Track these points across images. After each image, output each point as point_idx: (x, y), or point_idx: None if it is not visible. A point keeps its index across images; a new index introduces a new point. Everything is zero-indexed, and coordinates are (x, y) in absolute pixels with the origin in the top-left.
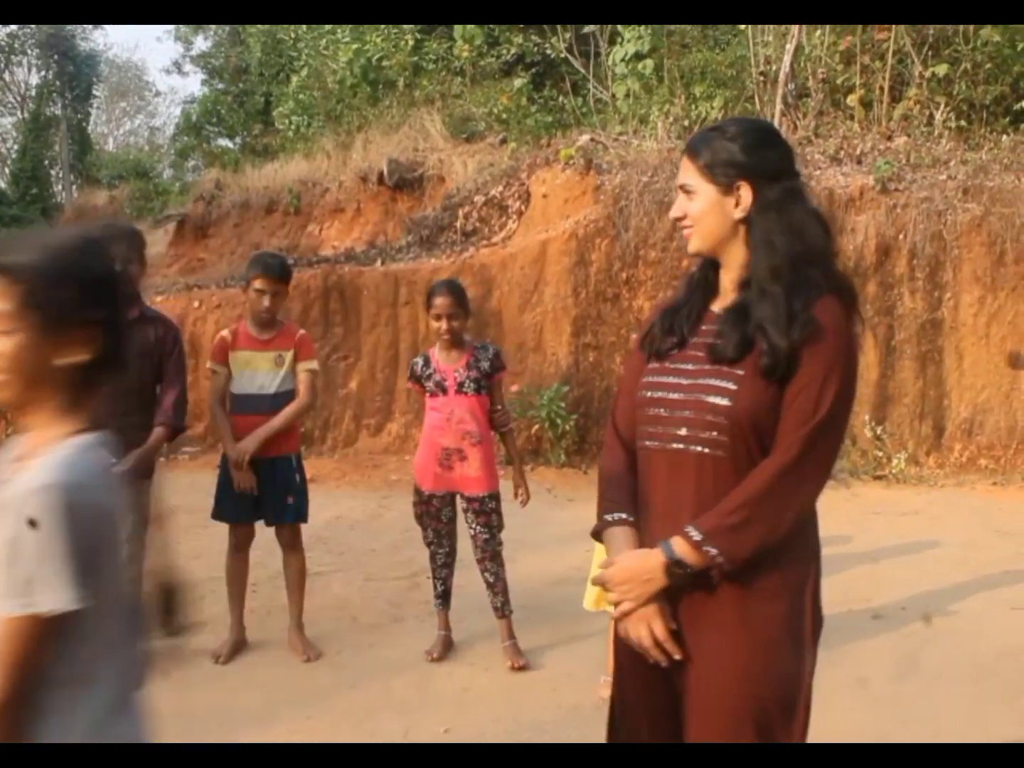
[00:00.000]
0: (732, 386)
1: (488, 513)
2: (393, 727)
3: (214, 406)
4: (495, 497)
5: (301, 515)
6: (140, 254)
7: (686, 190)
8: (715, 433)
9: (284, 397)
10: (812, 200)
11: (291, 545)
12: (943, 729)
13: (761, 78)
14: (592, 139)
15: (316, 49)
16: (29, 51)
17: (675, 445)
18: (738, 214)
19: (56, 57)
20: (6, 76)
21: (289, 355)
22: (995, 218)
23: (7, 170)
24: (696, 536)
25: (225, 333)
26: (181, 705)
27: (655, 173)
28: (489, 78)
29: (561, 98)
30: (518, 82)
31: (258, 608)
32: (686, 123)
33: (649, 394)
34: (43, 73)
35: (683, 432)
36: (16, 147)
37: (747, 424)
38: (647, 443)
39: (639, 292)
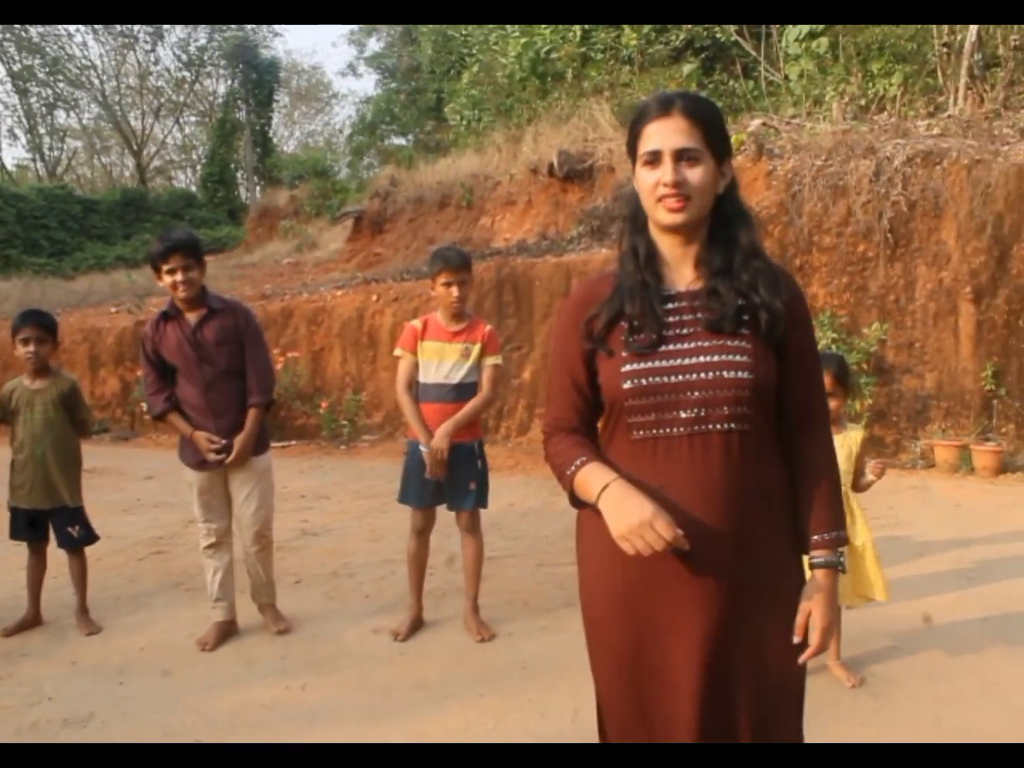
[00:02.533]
0: (745, 358)
1: None
2: (563, 708)
3: (401, 392)
4: None
5: (481, 501)
6: (199, 259)
7: (690, 156)
8: (743, 408)
9: (468, 388)
10: None
11: (470, 529)
12: None
13: (944, 50)
14: (764, 123)
15: (486, 44)
16: (216, 62)
17: (684, 429)
18: (719, 189)
19: (240, 66)
20: (196, 87)
21: (476, 348)
22: None
23: (197, 175)
24: (831, 535)
25: (415, 323)
26: (362, 679)
27: (829, 156)
28: (658, 65)
29: (732, 82)
30: (687, 68)
31: (434, 590)
32: (863, 102)
33: (637, 382)
34: (229, 82)
35: (696, 413)
36: (205, 153)
37: (766, 392)
38: (642, 433)
39: (813, 279)
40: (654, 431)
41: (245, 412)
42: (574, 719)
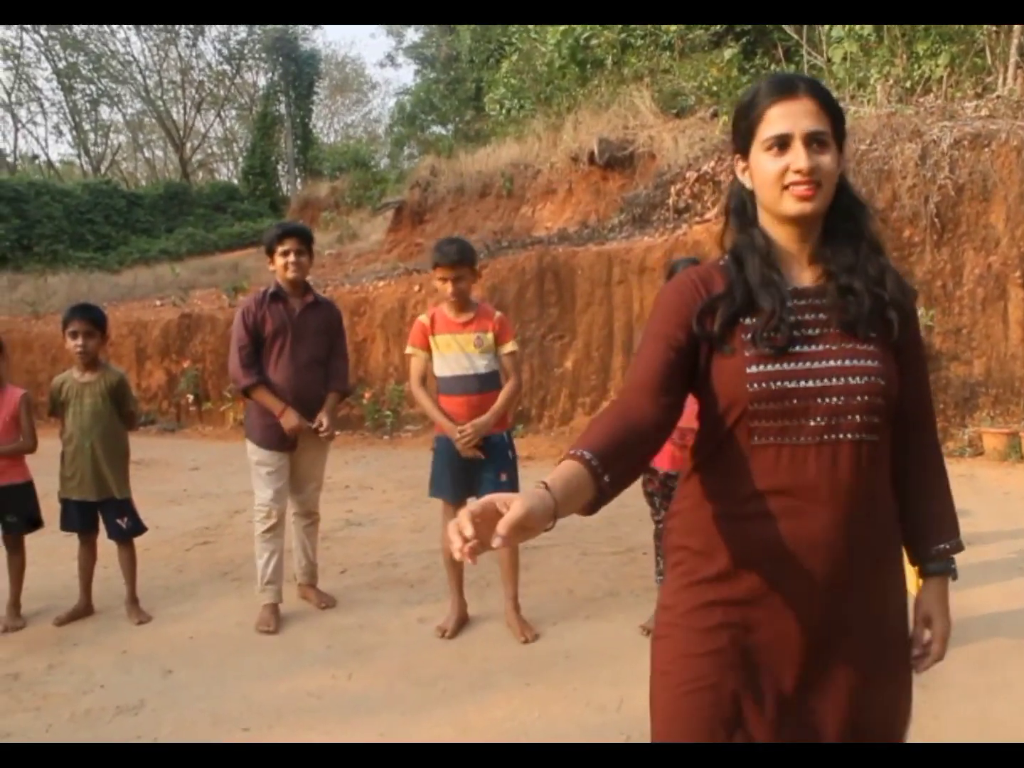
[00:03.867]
0: (876, 363)
1: None
2: (607, 698)
3: (416, 388)
4: None
5: (514, 491)
6: (310, 248)
7: (820, 139)
8: (874, 416)
9: (490, 377)
10: None
11: None
12: None
13: (993, 29)
14: None
15: (525, 33)
16: (256, 55)
17: (813, 438)
18: (837, 177)
19: (280, 59)
20: (237, 80)
21: (489, 337)
22: None
23: (239, 168)
24: (952, 543)
25: (423, 318)
26: (407, 668)
27: (873, 140)
28: (698, 51)
29: (773, 66)
30: (728, 52)
31: (478, 580)
32: (908, 84)
33: (764, 385)
34: (269, 75)
35: (826, 422)
36: (246, 146)
37: (895, 399)
38: (765, 440)
39: None
40: (779, 438)
41: (322, 400)
42: (619, 708)
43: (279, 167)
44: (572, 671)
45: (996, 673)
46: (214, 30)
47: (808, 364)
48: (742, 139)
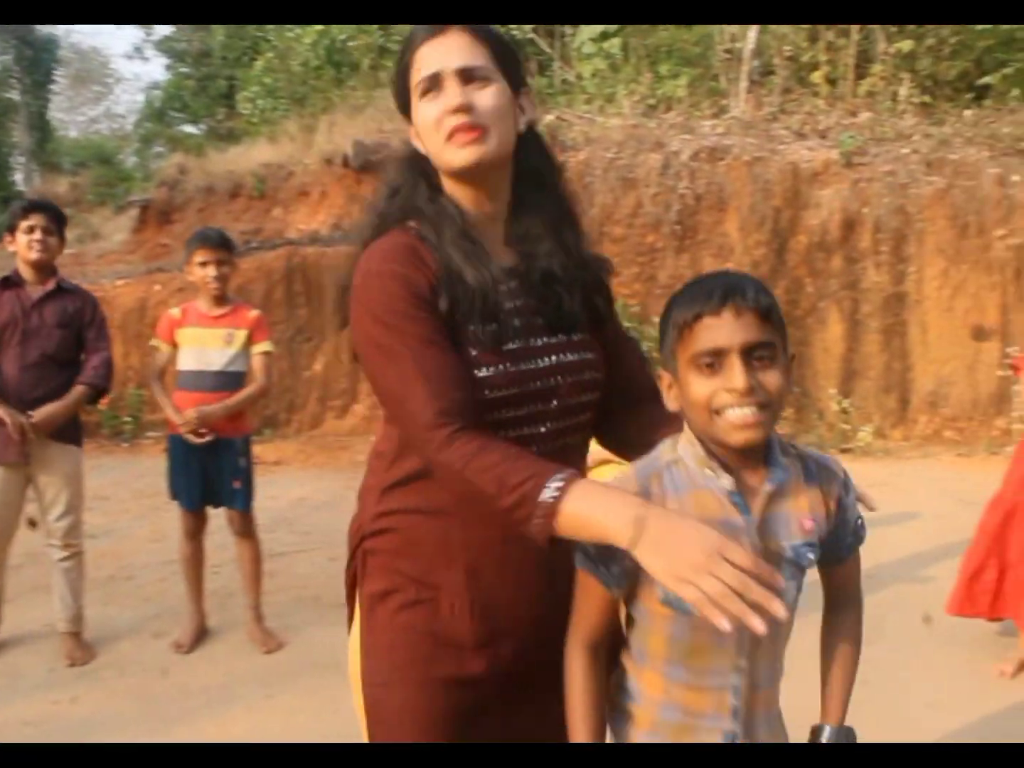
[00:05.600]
0: (591, 355)
1: None
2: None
3: (152, 381)
4: None
5: (247, 502)
6: (60, 229)
7: (475, 75)
8: (588, 414)
9: (231, 377)
10: None
11: (244, 532)
12: (905, 690)
13: (726, 56)
14: (558, 117)
15: (281, 31)
16: None
17: (547, 429)
18: (521, 126)
19: (13, 42)
20: None
21: (241, 334)
22: (958, 191)
23: None
24: None
25: (174, 311)
26: (140, 687)
27: (620, 150)
28: None
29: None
30: None
31: (219, 589)
32: (652, 102)
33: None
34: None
35: (555, 425)
36: None
37: (603, 388)
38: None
39: None
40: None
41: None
42: None
43: (13, 159)
44: (319, 680)
45: None
46: None
47: (532, 364)
48: (401, 97)
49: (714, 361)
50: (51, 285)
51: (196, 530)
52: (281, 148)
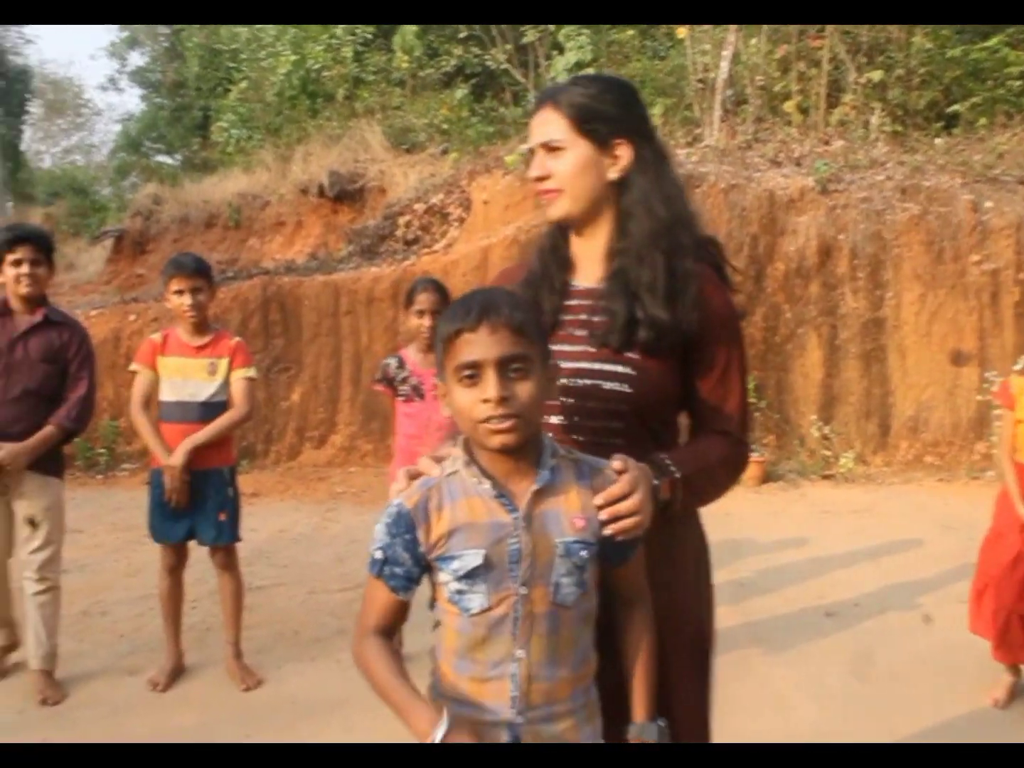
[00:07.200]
0: (630, 371)
1: None
2: (336, 739)
3: (136, 411)
4: None
5: (234, 533)
6: (49, 257)
7: (552, 146)
8: (614, 422)
9: (216, 407)
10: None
11: (226, 565)
12: (898, 726)
13: (700, 86)
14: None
15: (255, 61)
16: None
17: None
18: (613, 174)
19: None
20: None
21: (223, 363)
22: (933, 217)
23: None
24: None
25: (155, 336)
26: (113, 728)
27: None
28: (429, 89)
29: (502, 108)
30: (459, 93)
31: (197, 625)
32: None
33: None
34: None
35: (560, 420)
36: None
37: (647, 411)
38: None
39: None
40: None
41: None
42: None
43: None
44: (298, 718)
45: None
46: None
47: (561, 363)
48: None
49: (474, 373)
50: (39, 316)
51: (176, 564)
52: (256, 178)
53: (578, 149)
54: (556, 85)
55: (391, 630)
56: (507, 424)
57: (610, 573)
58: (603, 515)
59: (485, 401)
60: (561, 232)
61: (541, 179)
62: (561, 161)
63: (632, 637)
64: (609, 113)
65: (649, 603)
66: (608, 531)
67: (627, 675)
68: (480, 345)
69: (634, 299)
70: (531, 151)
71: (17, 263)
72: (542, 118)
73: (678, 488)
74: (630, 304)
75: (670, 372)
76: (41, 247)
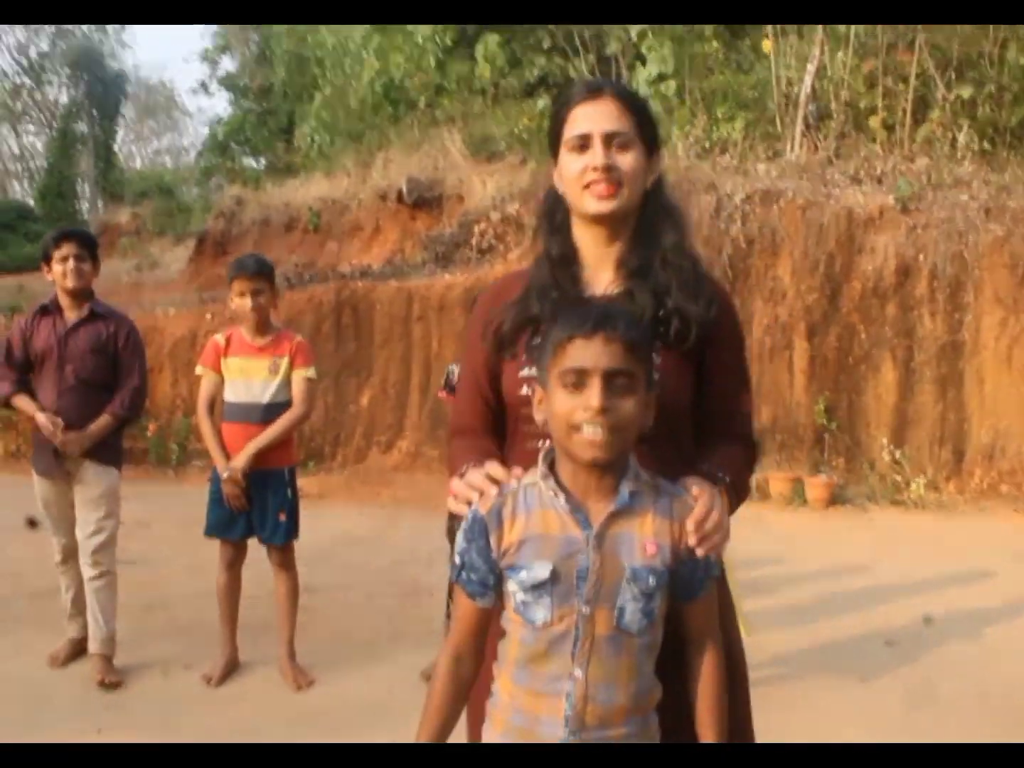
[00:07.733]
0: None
1: None
2: (384, 740)
3: (202, 414)
4: None
5: (292, 533)
6: (93, 254)
7: (621, 141)
8: None
9: (278, 408)
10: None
11: (283, 565)
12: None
13: (783, 100)
14: None
15: (340, 68)
16: (59, 71)
17: None
18: (648, 183)
19: (85, 77)
20: (36, 95)
21: (284, 362)
22: (1018, 239)
23: (35, 187)
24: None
25: (218, 337)
26: (165, 723)
27: (672, 191)
28: (510, 99)
29: None
30: (540, 103)
31: (254, 624)
32: (706, 144)
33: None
34: (72, 92)
35: None
36: (44, 165)
37: (671, 408)
38: (536, 444)
39: None
40: (548, 443)
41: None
42: None
43: (80, 189)
44: (347, 719)
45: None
46: (11, 37)
47: None
48: (552, 142)
49: (578, 380)
50: (85, 311)
51: (234, 561)
52: (337, 183)
53: (638, 149)
54: (615, 82)
55: (474, 644)
56: (602, 437)
57: (680, 610)
58: (692, 540)
59: (586, 409)
60: (569, 242)
61: (603, 170)
62: (628, 157)
63: (699, 682)
64: (655, 123)
65: (719, 647)
66: (701, 551)
67: (693, 719)
68: (592, 353)
69: (659, 297)
70: (581, 137)
71: (64, 259)
72: (607, 108)
73: (731, 494)
74: (656, 301)
75: (688, 374)
76: (85, 244)
